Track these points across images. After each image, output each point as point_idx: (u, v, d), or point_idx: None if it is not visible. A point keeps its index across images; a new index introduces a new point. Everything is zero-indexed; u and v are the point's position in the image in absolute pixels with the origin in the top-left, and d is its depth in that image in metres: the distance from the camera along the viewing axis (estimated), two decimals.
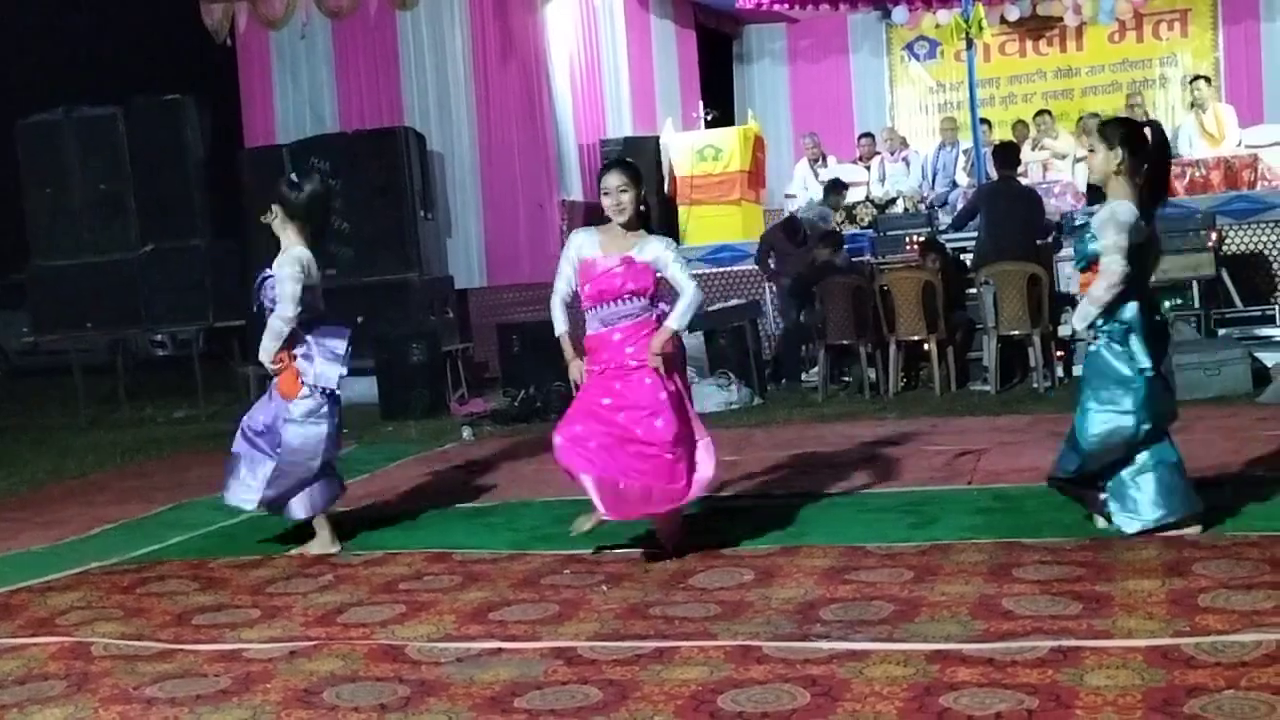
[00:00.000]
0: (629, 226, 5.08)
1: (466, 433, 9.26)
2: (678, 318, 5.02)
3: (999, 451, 6.92)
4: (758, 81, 17.19)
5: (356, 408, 10.15)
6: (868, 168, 14.30)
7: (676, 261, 5.07)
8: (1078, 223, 8.69)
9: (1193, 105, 13.15)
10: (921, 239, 10.88)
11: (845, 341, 9.81)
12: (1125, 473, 4.88)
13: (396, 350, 10.80)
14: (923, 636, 3.88)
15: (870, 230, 12.09)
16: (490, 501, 6.70)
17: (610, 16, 14.10)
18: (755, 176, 14.05)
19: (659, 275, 5.07)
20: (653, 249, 5.05)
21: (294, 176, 5.83)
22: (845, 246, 10.92)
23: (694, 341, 10.12)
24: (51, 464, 9.28)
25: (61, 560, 5.88)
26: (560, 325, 5.22)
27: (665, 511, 5.09)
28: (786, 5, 15.96)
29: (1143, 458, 4.86)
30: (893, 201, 13.25)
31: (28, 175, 11.94)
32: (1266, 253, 10.85)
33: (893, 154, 14.29)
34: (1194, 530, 4.84)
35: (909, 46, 16.69)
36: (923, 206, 13.05)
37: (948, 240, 10.77)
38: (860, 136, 15.04)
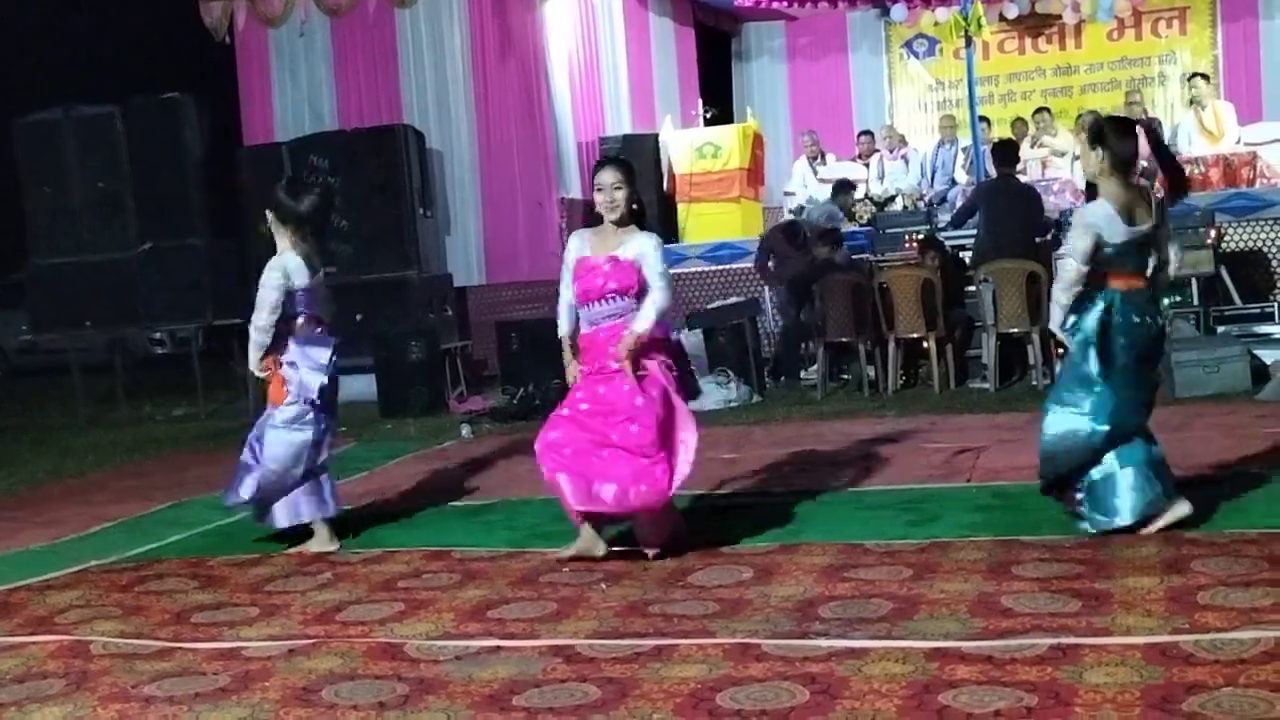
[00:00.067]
0: (621, 224, 5.06)
1: (465, 431, 9.25)
2: (642, 320, 4.93)
3: (998, 449, 6.92)
4: (757, 79, 17.17)
5: (355, 405, 10.16)
6: (867, 165, 14.28)
7: (656, 259, 4.99)
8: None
9: (1192, 103, 13.14)
10: (921, 237, 10.88)
11: (844, 339, 9.81)
12: (1094, 472, 4.88)
13: (395, 348, 10.80)
14: (922, 634, 3.88)
15: (869, 228, 12.07)
16: (489, 499, 6.70)
17: (609, 14, 14.07)
18: (754, 174, 14.03)
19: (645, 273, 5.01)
20: (636, 245, 5.00)
21: (289, 183, 5.88)
22: (844, 244, 10.91)
23: (693, 339, 10.13)
24: (50, 463, 9.28)
25: (60, 559, 5.88)
26: (563, 328, 5.23)
27: (643, 513, 5.01)
28: (785, 3, 15.93)
29: (1109, 459, 4.85)
30: (892, 199, 13.25)
31: (26, 174, 11.95)
32: (1265, 250, 10.84)
33: (891, 152, 14.27)
34: (1182, 510, 4.81)
35: (908, 44, 16.66)
36: (922, 204, 13.04)
37: (947, 238, 10.76)
38: (859, 134, 15.00)
